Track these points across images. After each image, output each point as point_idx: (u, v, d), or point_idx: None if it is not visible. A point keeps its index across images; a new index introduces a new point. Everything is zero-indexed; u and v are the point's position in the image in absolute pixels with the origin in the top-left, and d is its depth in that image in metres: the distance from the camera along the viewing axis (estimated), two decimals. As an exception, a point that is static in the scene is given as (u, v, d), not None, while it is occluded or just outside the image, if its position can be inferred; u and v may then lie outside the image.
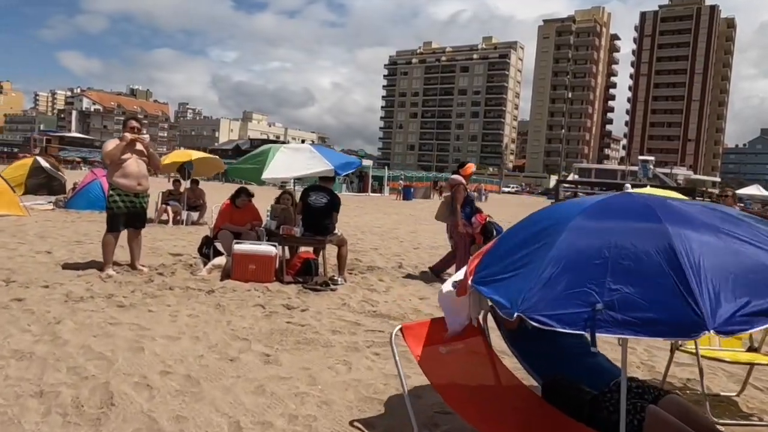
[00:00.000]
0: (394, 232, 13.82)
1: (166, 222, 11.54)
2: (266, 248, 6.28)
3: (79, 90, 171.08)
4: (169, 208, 11.79)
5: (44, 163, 17.06)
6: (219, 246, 7.13)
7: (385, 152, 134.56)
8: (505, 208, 33.26)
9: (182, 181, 12.32)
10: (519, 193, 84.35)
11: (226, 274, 6.39)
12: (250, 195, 7.27)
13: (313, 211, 6.67)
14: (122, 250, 6.79)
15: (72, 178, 18.79)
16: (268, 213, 7.72)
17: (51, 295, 5.11)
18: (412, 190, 34.62)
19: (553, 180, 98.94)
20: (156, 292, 5.48)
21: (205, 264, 6.71)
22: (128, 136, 6.13)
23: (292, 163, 6.32)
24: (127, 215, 6.34)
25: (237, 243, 6.33)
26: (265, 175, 6.14)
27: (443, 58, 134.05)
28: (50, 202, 14.22)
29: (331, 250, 6.95)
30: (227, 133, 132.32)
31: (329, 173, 6.37)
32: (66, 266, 6.57)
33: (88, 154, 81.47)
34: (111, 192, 6.36)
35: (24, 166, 16.78)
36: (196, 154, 12.45)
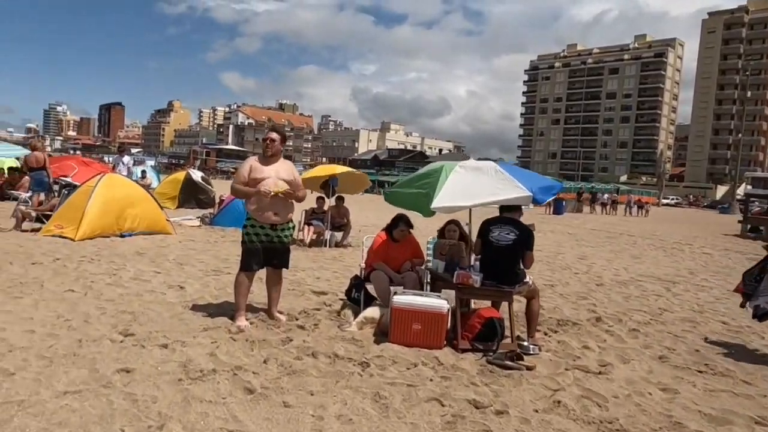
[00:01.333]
0: (561, 259, 11.64)
1: (308, 245, 10.51)
2: (436, 303, 4.65)
3: (235, 106, 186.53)
4: (311, 228, 10.78)
5: (196, 176, 17.24)
6: (371, 289, 5.68)
7: (524, 161, 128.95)
8: (681, 225, 28.98)
9: (326, 198, 11.27)
10: (679, 205, 75.51)
11: (383, 331, 4.88)
12: (410, 225, 5.72)
13: (496, 252, 4.94)
14: (259, 283, 5.60)
15: (221, 190, 18.96)
16: (429, 247, 6.13)
17: (166, 363, 3.92)
18: (563, 203, 31.37)
19: (720, 191, 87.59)
20: (295, 363, 4.08)
21: (355, 314, 5.26)
22: (265, 190, 4.91)
23: (473, 186, 4.63)
24: (263, 252, 5.11)
25: (398, 293, 4.79)
26: (436, 203, 4.53)
27: (589, 61, 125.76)
28: (198, 217, 14.05)
29: (515, 303, 5.17)
30: (366, 144, 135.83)
31: (525, 201, 4.59)
32: (195, 308, 5.49)
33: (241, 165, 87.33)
34: (245, 222, 5.18)
35: (177, 181, 17.07)
36: (340, 169, 11.36)
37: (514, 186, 4.59)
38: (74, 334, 4.48)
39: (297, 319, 5.33)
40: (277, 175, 5.06)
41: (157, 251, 8.69)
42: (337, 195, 11.30)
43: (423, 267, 5.81)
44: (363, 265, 5.73)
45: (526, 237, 4.95)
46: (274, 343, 4.52)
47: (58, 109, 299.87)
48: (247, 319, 5.09)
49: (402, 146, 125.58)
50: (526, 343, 4.87)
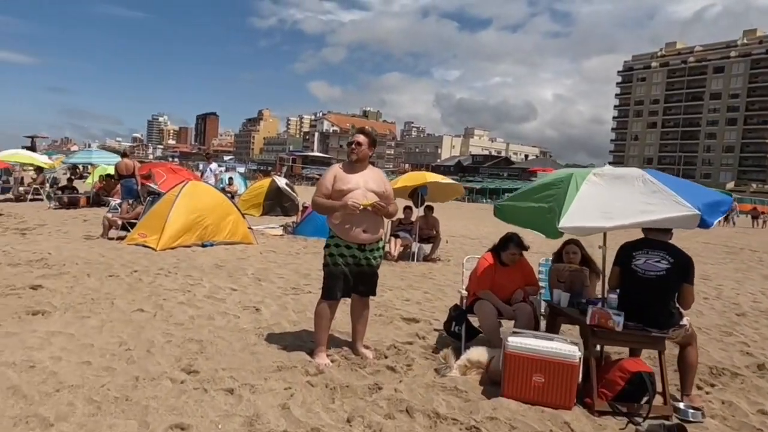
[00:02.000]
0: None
1: (394, 259, 9.68)
2: (564, 349, 3.62)
3: (321, 114, 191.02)
4: (398, 240, 9.95)
5: (280, 183, 16.98)
6: (474, 320, 4.73)
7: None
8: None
9: (414, 208, 10.41)
10: (798, 215, 68.01)
11: (492, 379, 3.92)
12: (523, 247, 4.71)
13: (641, 284, 3.84)
14: (342, 306, 4.81)
15: (306, 197, 18.64)
16: (541, 270, 5.10)
17: (230, 418, 3.18)
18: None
19: None
20: (386, 426, 3.22)
21: (456, 354, 4.32)
22: (353, 204, 4.11)
23: (615, 201, 3.56)
24: (349, 276, 4.31)
25: (513, 333, 3.80)
26: (566, 223, 3.49)
27: (690, 59, 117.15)
28: (281, 226, 13.65)
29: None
30: (449, 150, 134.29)
31: (690, 223, 3.44)
32: (270, 338, 4.78)
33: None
34: (328, 241, 4.41)
35: (262, 187, 16.88)
36: (431, 177, 10.46)
37: (672, 201, 3.46)
38: (132, 369, 3.87)
39: (386, 357, 4.47)
40: (365, 185, 4.24)
41: (236, 264, 8.17)
42: (425, 204, 10.42)
43: (537, 297, 4.78)
44: (464, 291, 4.78)
45: (684, 266, 3.80)
46: (359, 392, 3.68)
47: (160, 119, 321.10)
48: (328, 355, 4.30)
49: (486, 152, 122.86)
50: (681, 405, 3.73)
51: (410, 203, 10.39)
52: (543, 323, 4.71)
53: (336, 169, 4.38)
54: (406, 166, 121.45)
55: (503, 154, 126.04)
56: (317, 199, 4.34)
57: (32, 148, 30.67)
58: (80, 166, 24.94)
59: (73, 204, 16.08)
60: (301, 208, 13.93)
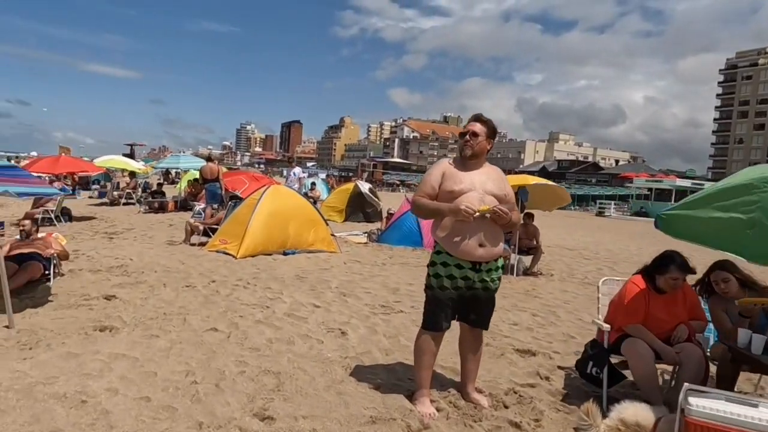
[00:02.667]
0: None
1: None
2: (779, 422, 2.52)
3: (401, 120, 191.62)
4: (495, 251, 8.91)
5: (363, 188, 16.35)
6: (615, 358, 3.67)
7: (717, 172, 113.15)
8: None
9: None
10: None
11: (659, 452, 2.87)
12: (688, 269, 3.59)
13: None
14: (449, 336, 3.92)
15: (388, 203, 17.92)
16: (705, 301, 3.96)
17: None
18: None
19: None
20: None
21: (601, 410, 3.28)
22: (467, 209, 3.21)
23: None
24: (458, 302, 3.40)
25: (693, 392, 2.73)
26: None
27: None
28: (365, 233, 12.97)
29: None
30: (533, 155, 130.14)
31: None
32: (359, 372, 3.96)
33: (405, 177, 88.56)
34: (433, 258, 3.52)
35: (345, 192, 16.33)
36: (533, 180, 9.35)
37: None
38: (197, 411, 3.17)
39: (506, 406, 3.52)
40: (482, 186, 3.33)
41: (318, 275, 7.48)
42: (526, 212, 9.31)
43: (704, 335, 3.66)
44: (604, 325, 3.73)
45: None
46: (479, 462, 2.77)
47: (248, 127, 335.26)
48: (432, 402, 3.42)
49: (572, 157, 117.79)
50: None
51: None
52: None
53: (445, 164, 3.48)
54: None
55: (590, 159, 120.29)
56: (419, 199, 3.45)
57: (131, 156, 32.19)
58: (172, 172, 25.79)
59: (161, 208, 16.27)
60: (385, 214, 13.14)
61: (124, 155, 30.09)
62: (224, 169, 18.16)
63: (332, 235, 9.95)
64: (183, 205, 16.60)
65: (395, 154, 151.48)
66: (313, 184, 20.05)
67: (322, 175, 66.83)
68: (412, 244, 10.84)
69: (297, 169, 15.94)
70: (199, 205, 12.32)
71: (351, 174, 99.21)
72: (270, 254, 8.75)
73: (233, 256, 8.42)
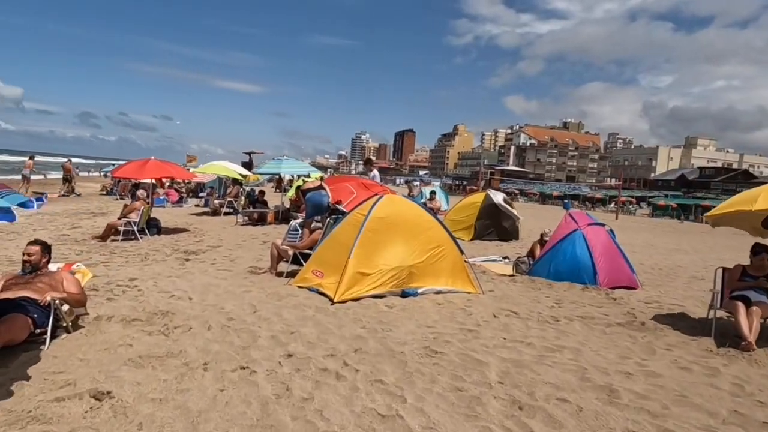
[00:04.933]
0: None
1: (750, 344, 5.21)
2: None
3: (517, 127, 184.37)
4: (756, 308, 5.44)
5: (497, 198, 13.19)
6: None
7: None
8: None
9: None
10: None
11: None
12: None
13: None
14: None
15: (527, 216, 14.60)
16: None
17: None
18: None
19: None
20: None
21: None
22: None
23: None
24: None
25: None
26: None
27: None
28: (504, 258, 9.85)
29: None
30: (666, 162, 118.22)
31: None
32: None
33: (523, 185, 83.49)
34: None
35: (474, 205, 13.23)
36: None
37: None
38: None
39: None
40: None
41: (461, 346, 4.52)
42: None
43: None
44: None
45: None
46: None
47: (362, 137, 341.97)
48: None
49: (713, 164, 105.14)
50: None
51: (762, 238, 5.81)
52: None
53: None
54: (613, 180, 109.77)
55: (735, 166, 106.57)
56: None
57: (249, 164, 31.43)
58: (285, 178, 24.25)
59: (260, 220, 14.27)
60: (541, 235, 9.79)
61: (243, 163, 29.27)
62: (318, 174, 15.85)
63: (466, 261, 6.97)
64: (285, 217, 14.50)
65: (511, 161, 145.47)
66: (433, 192, 17.23)
67: (437, 183, 64.19)
68: (581, 281, 7.59)
69: (374, 172, 13.31)
70: (298, 219, 9.91)
71: (465, 182, 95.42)
72: (382, 296, 5.98)
73: (329, 299, 5.75)
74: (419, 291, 6.26)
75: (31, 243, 4.72)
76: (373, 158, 14.37)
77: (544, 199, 64.39)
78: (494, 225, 13.07)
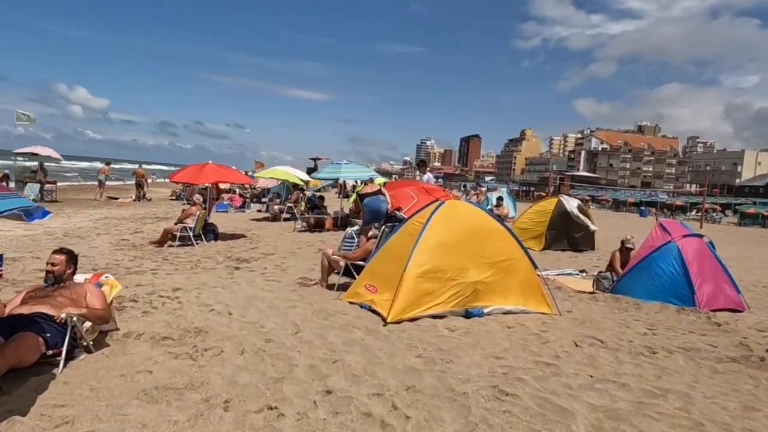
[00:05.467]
0: None
1: None
2: None
3: (588, 131, 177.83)
4: None
5: (570, 206, 12.09)
6: None
7: None
8: None
9: None
10: None
11: None
12: None
13: None
14: None
15: (599, 224, 13.37)
16: None
17: None
18: None
19: None
20: None
21: None
22: None
23: None
24: None
25: None
26: None
27: None
28: (580, 272, 8.85)
29: None
30: (753, 167, 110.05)
31: None
32: None
33: (594, 192, 79.91)
34: None
35: (544, 212, 12.19)
36: None
37: None
38: None
39: None
40: None
41: (537, 385, 3.69)
42: None
43: None
44: None
45: None
46: None
47: (427, 143, 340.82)
48: None
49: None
50: None
51: None
52: None
53: None
54: (693, 186, 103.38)
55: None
56: None
57: (314, 170, 31.46)
58: (348, 184, 23.89)
59: (319, 226, 13.83)
60: (626, 246, 8.60)
61: (308, 169, 29.27)
62: (381, 179, 15.25)
63: (538, 275, 6.08)
64: (344, 223, 13.98)
65: (581, 167, 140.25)
66: (500, 198, 16.24)
67: (503, 188, 62.51)
68: (674, 301, 6.53)
69: (428, 175, 12.53)
70: (354, 227, 9.32)
71: (532, 188, 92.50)
72: (442, 315, 5.23)
73: (382, 318, 5.06)
74: (485, 311, 5.47)
75: (56, 251, 4.31)
76: (426, 160, 13.52)
77: (618, 205, 61.29)
78: (567, 234, 11.99)
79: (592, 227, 12.36)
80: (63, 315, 3.70)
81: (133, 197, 23.91)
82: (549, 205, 12.39)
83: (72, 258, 4.32)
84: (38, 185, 19.50)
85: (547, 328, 5.20)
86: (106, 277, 4.55)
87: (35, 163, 21.40)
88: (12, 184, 19.94)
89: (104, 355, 3.98)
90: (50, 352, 3.63)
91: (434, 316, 5.18)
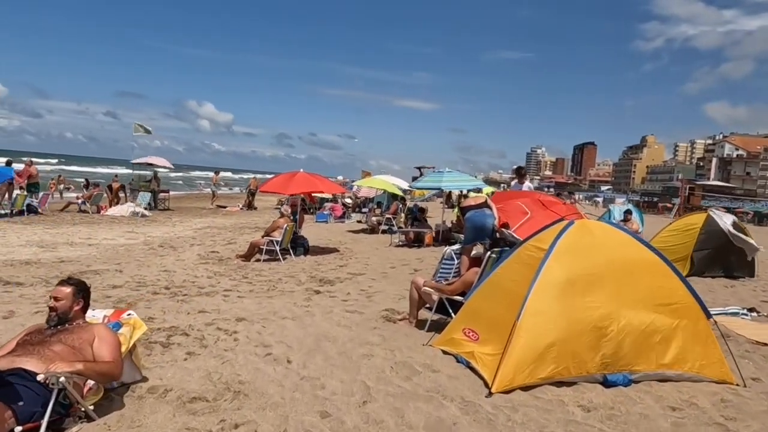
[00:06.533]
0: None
1: None
2: None
3: (720, 136, 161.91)
4: None
5: (725, 223, 9.80)
6: None
7: None
8: None
9: None
10: None
11: None
12: None
13: None
14: None
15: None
16: None
17: None
18: None
19: None
20: None
21: None
22: None
23: None
24: None
25: None
26: None
27: None
28: (752, 311, 6.80)
29: None
30: None
31: None
32: None
33: (728, 203, 71.76)
34: None
35: (690, 231, 9.97)
36: None
37: None
38: None
39: None
40: None
41: None
42: None
43: None
44: None
45: None
46: None
47: (538, 151, 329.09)
48: None
49: None
50: None
51: None
52: None
53: None
54: None
55: None
56: None
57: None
58: (453, 194, 22.47)
59: (418, 240, 12.57)
60: None
61: (413, 179, 28.35)
62: (489, 189, 13.68)
63: (713, 324, 4.32)
64: (446, 238, 12.62)
65: (712, 175, 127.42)
66: (628, 212, 13.99)
67: (621, 199, 57.54)
68: None
69: (527, 184, 10.74)
70: (453, 246, 7.90)
71: (656, 199, 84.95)
72: (571, 382, 3.72)
73: (485, 383, 3.66)
74: (632, 377, 3.87)
75: (61, 283, 3.38)
76: (523, 168, 11.71)
77: (761, 219, 54.20)
78: (720, 257, 9.72)
79: (758, 247, 9.98)
80: (41, 376, 2.72)
81: (240, 206, 24.19)
82: (696, 221, 10.17)
83: (80, 291, 3.37)
84: (150, 194, 20.09)
85: (731, 410, 3.51)
86: (129, 315, 3.57)
87: (149, 173, 22.20)
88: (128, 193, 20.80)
89: (106, 426, 2.97)
90: (19, 429, 2.64)
91: (559, 383, 3.69)
